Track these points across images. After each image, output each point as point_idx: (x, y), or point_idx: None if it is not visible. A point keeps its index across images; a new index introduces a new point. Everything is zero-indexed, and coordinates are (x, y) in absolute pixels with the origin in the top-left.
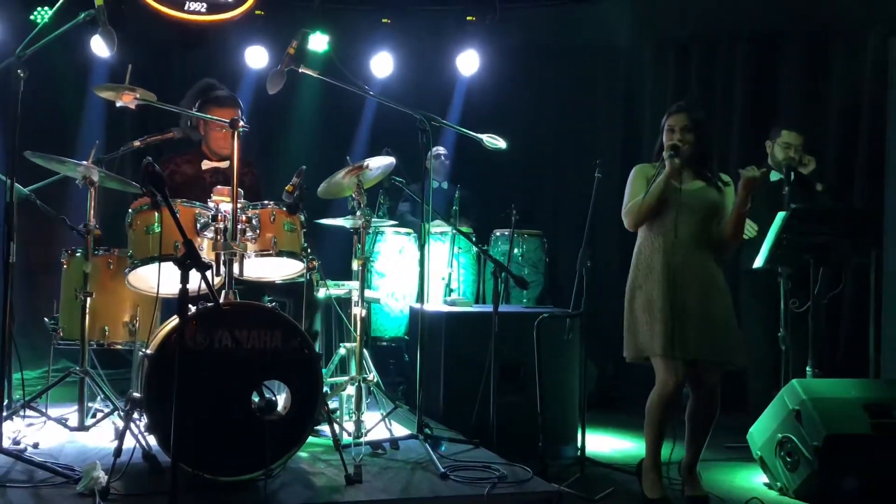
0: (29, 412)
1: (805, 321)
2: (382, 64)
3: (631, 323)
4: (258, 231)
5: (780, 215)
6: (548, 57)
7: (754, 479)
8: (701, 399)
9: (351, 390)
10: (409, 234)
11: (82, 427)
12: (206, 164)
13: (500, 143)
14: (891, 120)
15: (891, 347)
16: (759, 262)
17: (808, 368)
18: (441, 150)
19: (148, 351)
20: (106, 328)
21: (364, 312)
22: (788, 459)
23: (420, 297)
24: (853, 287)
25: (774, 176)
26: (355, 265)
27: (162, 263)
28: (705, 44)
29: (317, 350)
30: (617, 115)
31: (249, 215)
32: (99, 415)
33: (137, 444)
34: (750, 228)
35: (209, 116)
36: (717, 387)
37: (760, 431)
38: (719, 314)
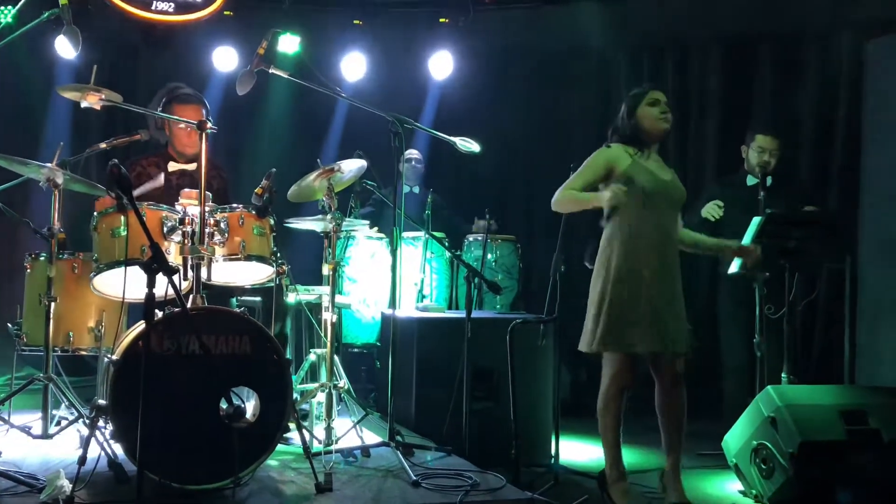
0: None
1: (780, 327)
2: (354, 66)
3: (605, 315)
4: (226, 235)
5: (756, 220)
6: (521, 60)
7: (729, 487)
8: (667, 383)
9: (321, 397)
10: (381, 238)
11: (46, 435)
12: (172, 166)
13: (474, 147)
14: (866, 123)
15: (865, 353)
16: (734, 268)
17: (783, 375)
18: (414, 153)
19: (113, 357)
20: (71, 334)
21: (335, 318)
22: (763, 467)
23: (392, 303)
24: (828, 293)
25: (750, 180)
26: (326, 270)
27: (128, 267)
28: (680, 47)
29: (287, 356)
30: (591, 119)
31: (218, 219)
32: (63, 422)
33: (103, 453)
34: (715, 208)
35: (173, 116)
36: (682, 368)
37: (735, 438)
38: (681, 306)
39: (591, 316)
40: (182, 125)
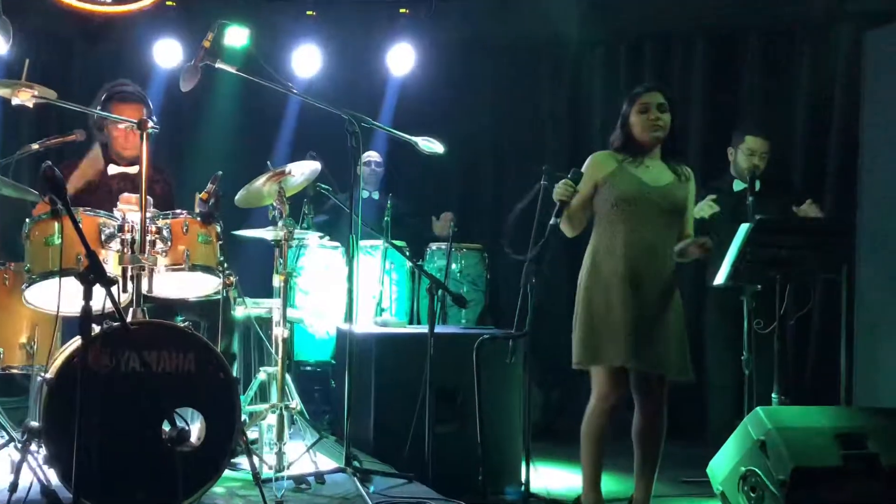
0: None
1: (771, 343)
2: (308, 60)
3: (585, 326)
4: (169, 243)
5: (744, 227)
6: (489, 53)
7: None
8: (648, 410)
9: (272, 419)
10: (336, 247)
11: None
12: (112, 170)
13: (437, 147)
14: (865, 122)
15: (863, 372)
16: (720, 279)
17: (773, 395)
18: (373, 155)
19: (47, 375)
20: (0, 351)
21: (286, 333)
22: (752, 495)
23: (348, 317)
24: (823, 306)
25: (738, 185)
26: (277, 281)
27: (63, 278)
28: (660, 40)
29: (234, 374)
30: (564, 117)
31: (160, 226)
32: None
33: (35, 479)
34: (710, 205)
35: (112, 115)
36: (666, 396)
37: (722, 464)
38: (675, 323)
39: (574, 328)
40: (122, 125)
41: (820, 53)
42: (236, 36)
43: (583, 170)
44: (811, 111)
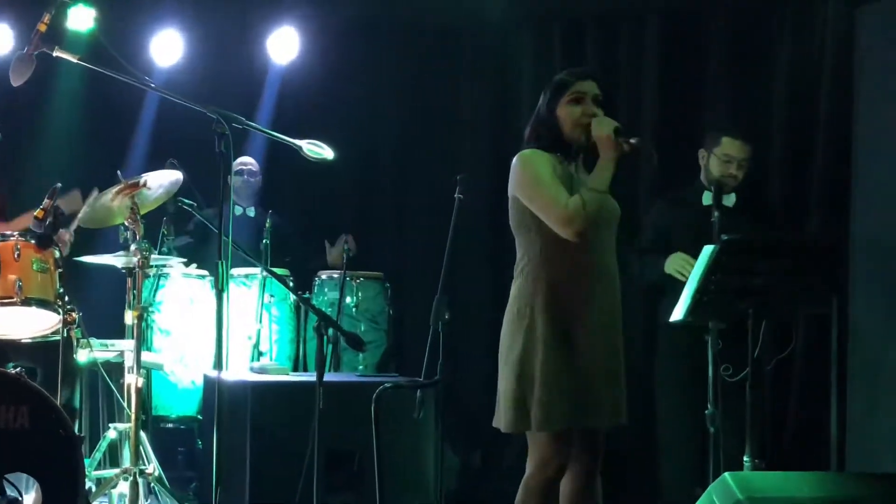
0: None
1: (741, 394)
2: (168, 47)
3: (516, 380)
4: None
5: (707, 250)
6: (391, 37)
7: None
8: (589, 469)
9: (124, 486)
10: (202, 276)
11: None
12: None
13: (327, 152)
14: (858, 116)
15: (858, 428)
16: (678, 315)
17: (745, 458)
18: (248, 162)
19: None
20: None
21: (141, 382)
22: None
23: (217, 363)
24: (808, 346)
25: (709, 198)
26: (129, 318)
27: None
28: (604, 21)
29: (77, 432)
30: (484, 115)
31: None
32: None
33: None
34: (684, 264)
35: None
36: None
37: None
38: (621, 361)
39: (507, 382)
40: None
41: (803, 33)
42: (80, 18)
43: (539, 167)
44: (792, 103)
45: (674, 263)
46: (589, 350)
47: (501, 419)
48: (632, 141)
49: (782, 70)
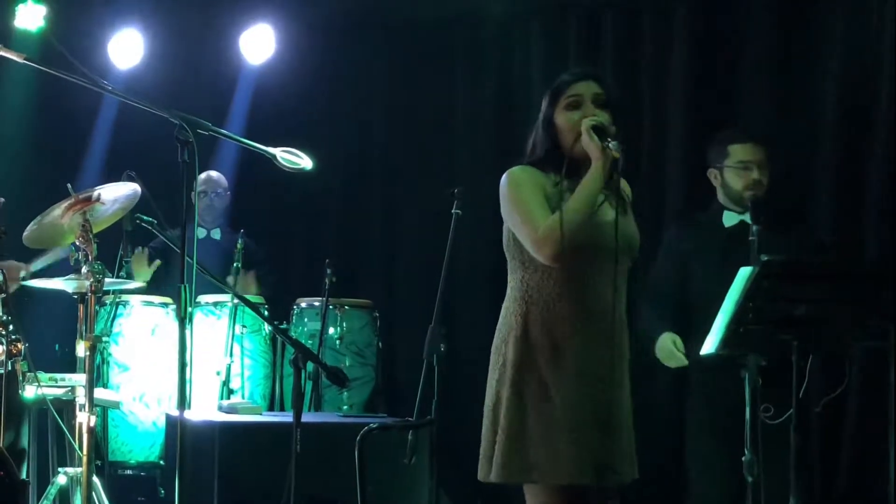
0: None
1: (785, 438)
2: (127, 47)
3: (514, 429)
4: None
5: (744, 273)
6: (378, 33)
7: None
8: None
9: None
10: (165, 304)
11: None
12: None
13: (304, 162)
14: None
15: None
16: (709, 347)
17: None
18: (213, 180)
19: None
20: None
21: (94, 422)
22: None
23: (181, 402)
24: (863, 384)
25: (729, 219)
26: (81, 350)
27: None
28: (624, 11)
29: (23, 477)
30: (485, 120)
31: None
32: None
33: None
34: (670, 356)
35: None
36: None
37: None
38: (628, 408)
39: (492, 428)
40: None
41: (858, 18)
42: (29, 15)
43: (525, 187)
44: (844, 102)
45: (660, 349)
46: (566, 402)
47: (481, 465)
48: (610, 144)
49: (833, 65)
